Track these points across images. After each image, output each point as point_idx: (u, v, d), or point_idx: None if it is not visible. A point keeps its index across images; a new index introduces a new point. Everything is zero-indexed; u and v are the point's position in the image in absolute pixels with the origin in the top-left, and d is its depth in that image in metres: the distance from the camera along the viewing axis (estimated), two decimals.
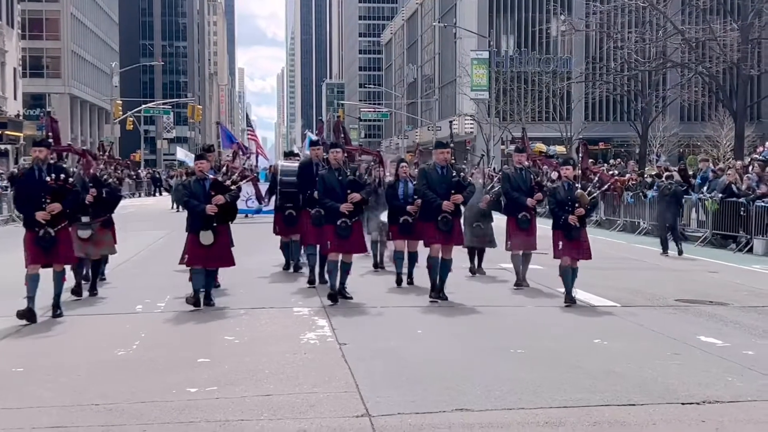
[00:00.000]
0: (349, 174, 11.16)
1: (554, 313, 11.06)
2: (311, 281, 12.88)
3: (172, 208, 34.48)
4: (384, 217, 13.36)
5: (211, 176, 10.95)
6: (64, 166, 11.35)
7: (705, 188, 22.30)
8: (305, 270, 14.11)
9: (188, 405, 6.68)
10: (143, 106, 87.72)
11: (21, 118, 58.35)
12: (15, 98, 60.48)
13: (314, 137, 16.53)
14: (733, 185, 21.08)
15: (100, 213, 11.95)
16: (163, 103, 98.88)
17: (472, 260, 14.21)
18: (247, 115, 28.76)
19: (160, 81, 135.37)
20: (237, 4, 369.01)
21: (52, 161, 10.44)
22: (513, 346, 8.95)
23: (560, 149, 54.90)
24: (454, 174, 11.33)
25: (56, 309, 10.24)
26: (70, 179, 10.19)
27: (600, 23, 54.39)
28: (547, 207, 12.43)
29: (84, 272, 12.07)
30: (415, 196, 12.27)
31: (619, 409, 6.58)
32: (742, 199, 20.11)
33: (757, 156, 25.20)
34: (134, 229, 24.03)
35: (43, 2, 78.05)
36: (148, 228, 24.89)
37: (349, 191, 10.85)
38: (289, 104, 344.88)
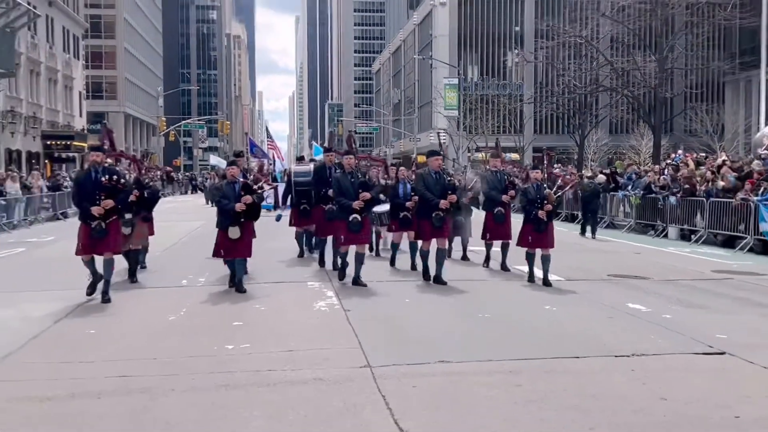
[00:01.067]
0: (360, 177, 10.76)
1: (515, 287, 11.06)
2: (321, 263, 12.60)
3: (207, 203, 34.58)
4: (377, 208, 12.41)
5: (241, 179, 10.52)
6: (118, 168, 10.72)
7: (630, 187, 22.43)
8: (315, 255, 14.05)
9: (227, 359, 6.71)
10: (182, 122, 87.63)
11: (85, 131, 57.96)
12: (80, 116, 60.22)
13: (324, 146, 16.43)
14: (652, 184, 21.24)
15: (141, 211, 11.44)
16: (198, 120, 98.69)
17: (450, 245, 13.48)
18: (267, 128, 28.65)
19: (196, 102, 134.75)
20: (257, 41, 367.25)
21: (106, 164, 9.95)
22: (483, 312, 9.00)
23: (515, 156, 54.87)
24: (448, 178, 11.06)
25: (105, 295, 9.57)
26: (122, 180, 9.62)
27: (546, 56, 54.52)
28: (518, 204, 12.13)
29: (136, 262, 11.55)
30: (412, 194, 11.81)
31: (566, 360, 6.64)
32: (658, 195, 20.24)
33: (670, 161, 25.33)
34: (178, 220, 24.07)
35: (102, 39, 77.68)
36: (188, 219, 24.85)
37: (360, 191, 10.42)
38: (298, 120, 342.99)
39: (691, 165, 21.50)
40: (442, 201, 10.59)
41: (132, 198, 10.73)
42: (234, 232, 9.96)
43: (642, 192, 21.24)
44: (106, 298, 9.55)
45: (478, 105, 61.56)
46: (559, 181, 12.21)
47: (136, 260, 11.65)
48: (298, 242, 14.31)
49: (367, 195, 10.40)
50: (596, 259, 14.58)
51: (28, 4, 40.15)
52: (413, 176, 12.86)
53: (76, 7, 60.83)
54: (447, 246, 11.15)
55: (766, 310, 9.25)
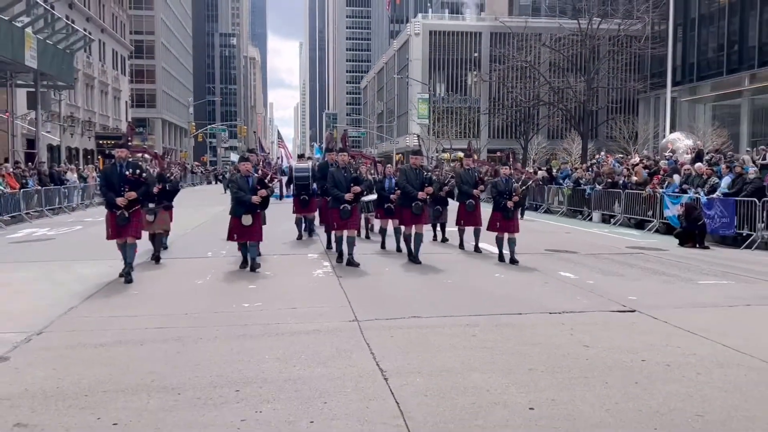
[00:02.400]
0: (352, 172, 10.36)
1: (474, 261, 11.09)
2: (329, 246, 11.89)
3: (225, 192, 34.61)
4: (365, 198, 12.08)
5: (255, 174, 9.99)
6: (141, 163, 9.75)
7: (563, 181, 22.53)
8: (314, 237, 13.80)
9: (244, 315, 6.70)
10: (208, 126, 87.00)
11: None
12: (126, 121, 59.79)
13: (324, 146, 16.25)
14: (580, 179, 21.35)
15: (163, 200, 10.75)
16: (221, 125, 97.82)
17: (434, 231, 13.41)
18: (278, 132, 28.54)
19: (219, 110, 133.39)
20: (268, 62, 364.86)
21: (130, 159, 8.97)
22: (447, 279, 9.03)
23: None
24: (425, 173, 10.78)
25: (127, 276, 8.59)
26: (143, 174, 8.76)
27: (498, 77, 54.50)
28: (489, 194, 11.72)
29: (160, 244, 10.91)
30: (396, 188, 11.45)
31: (512, 316, 6.68)
32: (585, 187, 20.35)
33: (594, 161, 25.48)
34: (203, 205, 23.90)
35: (144, 59, 76.74)
36: (211, 205, 24.72)
37: (352, 184, 10.01)
38: (301, 126, 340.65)
39: (611, 163, 21.62)
40: (420, 193, 10.35)
41: (155, 190, 10.22)
42: (247, 219, 9.59)
43: (572, 184, 21.36)
44: (128, 279, 8.55)
45: (444, 115, 61.44)
46: (523, 176, 12.07)
47: (160, 243, 11.00)
48: (297, 227, 13.95)
49: (357, 188, 10.07)
50: (536, 238, 14.61)
51: (84, 30, 39.75)
52: (397, 173, 12.65)
53: (123, 34, 60.32)
54: (422, 232, 10.83)
55: (667, 278, 9.34)
